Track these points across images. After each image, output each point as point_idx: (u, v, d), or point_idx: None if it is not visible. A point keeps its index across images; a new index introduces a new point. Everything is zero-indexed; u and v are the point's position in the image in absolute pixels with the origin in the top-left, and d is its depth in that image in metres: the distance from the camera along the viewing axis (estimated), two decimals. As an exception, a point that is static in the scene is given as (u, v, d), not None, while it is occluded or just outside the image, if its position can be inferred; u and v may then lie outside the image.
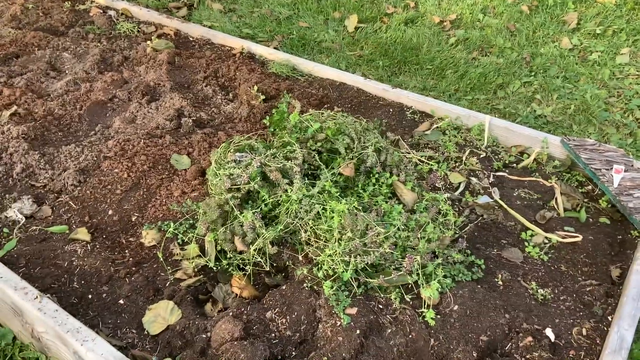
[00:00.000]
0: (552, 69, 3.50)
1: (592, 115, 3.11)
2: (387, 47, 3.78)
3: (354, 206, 2.00)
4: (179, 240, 2.14)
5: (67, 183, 2.42)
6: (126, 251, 2.14)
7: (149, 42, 3.55)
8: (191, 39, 3.75)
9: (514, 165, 2.62)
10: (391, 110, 2.97)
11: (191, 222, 2.20)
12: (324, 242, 1.96)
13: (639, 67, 3.42)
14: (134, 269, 2.06)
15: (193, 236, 2.09)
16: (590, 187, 2.46)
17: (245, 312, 1.83)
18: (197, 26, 3.81)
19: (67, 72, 3.29)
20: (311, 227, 1.98)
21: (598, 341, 1.80)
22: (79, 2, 4.19)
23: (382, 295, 1.91)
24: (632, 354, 1.80)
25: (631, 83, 3.32)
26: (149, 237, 2.17)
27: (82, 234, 2.19)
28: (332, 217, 1.94)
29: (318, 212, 1.98)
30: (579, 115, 3.13)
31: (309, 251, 1.99)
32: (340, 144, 2.23)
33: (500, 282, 2.03)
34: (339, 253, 1.88)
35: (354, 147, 2.27)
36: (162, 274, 2.04)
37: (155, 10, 4.06)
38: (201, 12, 4.29)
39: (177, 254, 2.08)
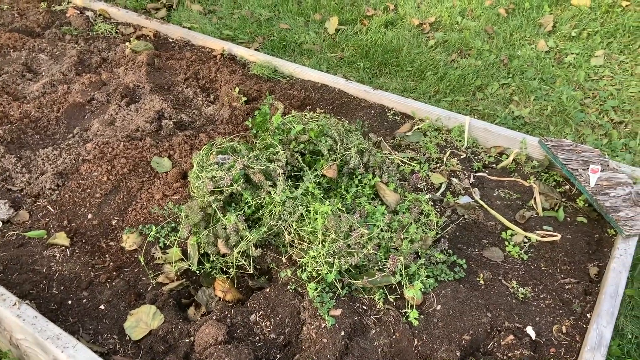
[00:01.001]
0: (529, 71, 3.56)
1: (569, 116, 3.17)
2: (368, 49, 3.79)
3: (337, 207, 2.00)
4: (161, 244, 2.11)
5: (44, 187, 2.37)
6: (106, 256, 2.11)
7: (127, 43, 3.51)
8: (171, 40, 3.71)
9: (494, 165, 2.66)
10: (373, 111, 2.99)
11: (173, 225, 2.18)
12: (308, 243, 1.97)
13: (613, 69, 3.51)
14: (114, 273, 2.03)
15: (175, 239, 2.07)
16: (567, 186, 2.50)
17: (228, 315, 1.82)
18: (177, 27, 3.78)
19: (43, 73, 3.23)
20: (295, 229, 1.98)
21: (578, 338, 1.83)
22: (55, 3, 4.12)
23: (366, 296, 1.92)
24: (610, 350, 1.84)
25: (606, 84, 3.40)
26: (129, 241, 2.14)
27: (61, 238, 2.16)
28: (316, 218, 1.95)
29: (301, 214, 1.98)
30: (556, 116, 3.19)
31: (293, 253, 1.99)
32: (323, 145, 2.24)
33: (482, 282, 2.05)
34: (323, 255, 1.89)
35: (336, 149, 2.28)
36: (144, 278, 2.01)
37: (133, 11, 4.02)
38: (180, 14, 4.26)
39: (159, 258, 2.06)
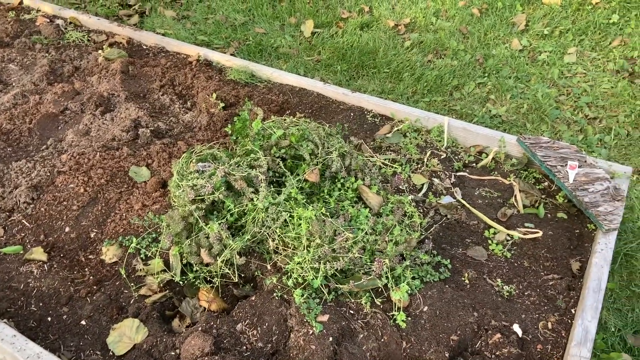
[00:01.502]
0: (504, 69, 3.60)
1: (544, 114, 3.22)
2: (344, 52, 3.79)
3: (321, 212, 1.99)
4: (142, 255, 2.07)
5: (19, 201, 2.30)
6: (86, 269, 2.06)
7: (100, 51, 3.44)
8: (145, 47, 3.66)
9: (474, 164, 2.68)
10: (352, 114, 2.98)
11: (154, 235, 2.14)
12: (293, 250, 1.95)
13: (586, 66, 3.57)
14: (95, 287, 1.98)
15: (157, 250, 2.03)
16: (546, 183, 2.53)
17: (214, 325, 1.79)
18: (151, 34, 3.73)
19: (14, 84, 3.14)
20: (279, 236, 1.95)
21: (563, 334, 1.85)
22: (24, 12, 4.02)
23: (352, 301, 1.91)
24: (595, 344, 1.86)
25: (579, 81, 3.46)
26: (109, 253, 2.09)
27: (38, 253, 2.10)
28: (300, 224, 1.93)
29: (285, 220, 1.96)
30: (532, 114, 3.23)
31: (278, 260, 1.97)
32: (304, 150, 2.22)
33: (467, 281, 2.06)
34: (308, 260, 1.87)
35: (318, 153, 2.27)
36: (126, 291, 1.97)
37: (105, 19, 3.94)
38: (153, 20, 4.20)
39: (140, 270, 2.02)
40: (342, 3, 4.40)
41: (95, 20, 3.85)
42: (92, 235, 2.18)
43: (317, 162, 2.23)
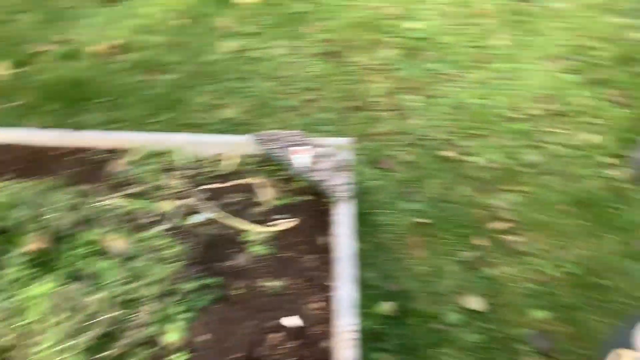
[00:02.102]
0: (227, 73, 3.70)
1: (271, 107, 3.42)
2: (54, 88, 3.43)
3: (60, 282, 1.76)
4: None
5: None
6: None
7: None
8: None
9: (218, 174, 2.69)
10: (78, 157, 2.70)
11: None
12: (38, 335, 1.68)
13: (295, 55, 3.90)
14: None
15: None
16: (285, 173, 2.69)
17: None
18: None
19: None
20: (13, 327, 1.67)
21: (331, 308, 2.00)
22: None
23: (127, 361, 1.75)
24: (362, 304, 2.06)
25: (292, 70, 3.76)
26: None
27: None
28: (36, 304, 1.67)
29: (15, 306, 1.68)
30: (260, 109, 3.40)
31: (20, 356, 1.68)
32: (20, 217, 1.93)
33: (240, 292, 2.07)
34: (60, 340, 1.64)
35: (41, 214, 1.99)
36: None
37: None
38: None
39: None
40: (34, 38, 3.94)
41: None
42: None
43: (42, 225, 1.96)
